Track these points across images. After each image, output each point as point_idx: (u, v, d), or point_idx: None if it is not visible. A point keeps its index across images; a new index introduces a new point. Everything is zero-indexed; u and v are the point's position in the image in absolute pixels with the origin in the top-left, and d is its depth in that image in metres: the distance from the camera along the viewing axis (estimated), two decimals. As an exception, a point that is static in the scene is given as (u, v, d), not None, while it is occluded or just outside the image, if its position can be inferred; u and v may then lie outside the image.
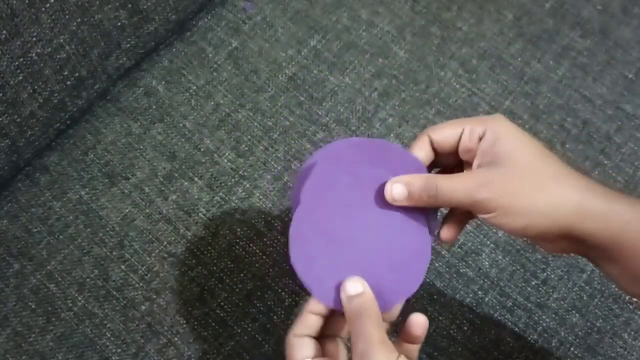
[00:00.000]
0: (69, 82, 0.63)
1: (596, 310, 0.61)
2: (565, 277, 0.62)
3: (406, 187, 0.44)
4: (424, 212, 0.45)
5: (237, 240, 0.63)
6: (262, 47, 0.72)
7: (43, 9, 0.57)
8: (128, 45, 0.68)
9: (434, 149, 0.46)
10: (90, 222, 0.63)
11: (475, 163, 0.44)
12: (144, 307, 0.60)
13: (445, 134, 0.45)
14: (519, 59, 0.73)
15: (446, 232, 0.47)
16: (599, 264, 0.44)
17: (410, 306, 0.60)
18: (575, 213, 0.41)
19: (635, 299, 0.43)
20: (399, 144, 0.67)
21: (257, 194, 0.65)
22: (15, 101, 0.59)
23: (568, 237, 0.42)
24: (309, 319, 0.44)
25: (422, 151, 0.46)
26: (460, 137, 0.44)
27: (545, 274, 0.62)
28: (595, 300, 0.62)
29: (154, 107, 0.69)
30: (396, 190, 0.44)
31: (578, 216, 0.41)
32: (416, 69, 0.72)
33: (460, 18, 0.75)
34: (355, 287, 0.43)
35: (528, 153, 0.42)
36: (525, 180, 0.41)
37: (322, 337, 0.45)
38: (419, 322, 0.44)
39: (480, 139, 0.43)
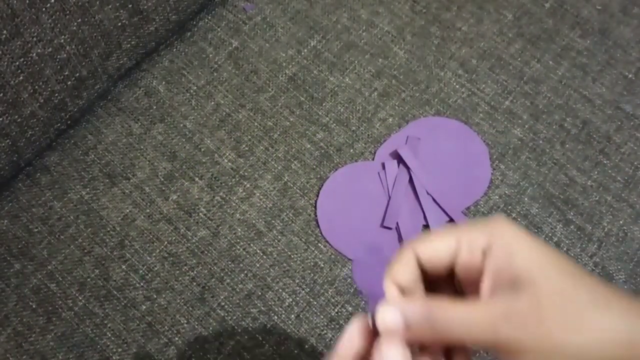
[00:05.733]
0: (69, 82, 0.63)
1: (596, 310, 0.61)
2: (565, 276, 0.63)
3: (402, 316, 0.33)
4: None
5: (238, 240, 0.63)
6: (262, 47, 0.73)
7: (43, 9, 0.57)
8: (128, 45, 0.68)
9: (422, 269, 0.35)
10: (91, 222, 0.63)
11: (485, 287, 0.33)
12: (144, 307, 0.60)
13: (436, 248, 0.35)
14: (519, 59, 0.73)
15: None
16: None
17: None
18: (628, 348, 0.31)
19: None
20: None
21: (258, 194, 0.65)
22: (16, 101, 0.59)
23: None
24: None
25: (406, 273, 0.35)
26: (455, 252, 0.34)
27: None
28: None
29: (155, 107, 0.69)
30: (390, 319, 0.33)
31: (633, 351, 0.31)
32: (416, 69, 0.72)
33: (459, 18, 0.75)
34: (396, 357, 0.33)
35: (556, 273, 0.32)
36: (558, 310, 0.31)
37: None
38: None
39: (484, 253, 0.33)
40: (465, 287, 0.36)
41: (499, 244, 0.33)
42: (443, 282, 0.36)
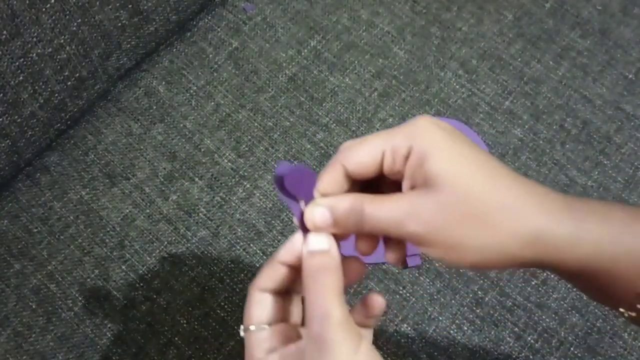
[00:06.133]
0: (69, 83, 0.63)
1: (596, 310, 0.61)
2: (565, 277, 0.63)
3: (330, 212, 0.36)
4: None
5: (237, 240, 0.63)
6: (262, 47, 0.73)
7: (43, 9, 0.57)
8: (128, 45, 0.68)
9: (353, 179, 0.38)
10: (91, 222, 0.63)
11: (404, 186, 0.36)
12: (144, 307, 0.60)
13: (363, 159, 0.37)
14: (519, 59, 0.73)
15: (392, 256, 0.39)
16: (572, 283, 0.39)
17: (410, 306, 0.61)
18: (534, 244, 0.34)
19: (620, 310, 0.37)
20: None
21: (257, 194, 0.65)
22: (16, 101, 0.59)
23: (532, 266, 0.35)
24: (277, 270, 0.38)
25: (332, 184, 0.37)
26: (381, 161, 0.36)
27: (545, 274, 0.62)
28: (595, 300, 0.62)
29: (155, 107, 0.69)
30: (319, 215, 0.37)
31: (539, 247, 0.34)
32: (416, 69, 0.72)
33: (460, 18, 0.75)
34: (319, 242, 0.36)
35: (464, 174, 0.34)
36: (463, 212, 0.34)
37: (280, 293, 0.39)
38: (378, 302, 0.39)
39: (406, 158, 0.35)
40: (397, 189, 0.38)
41: (415, 149, 0.35)
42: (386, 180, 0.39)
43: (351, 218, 0.36)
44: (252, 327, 0.38)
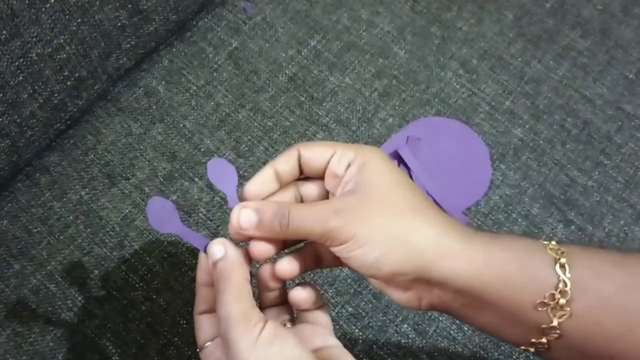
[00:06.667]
0: (69, 83, 0.63)
1: (596, 311, 0.61)
2: (566, 277, 0.62)
3: (256, 213, 0.40)
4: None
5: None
6: (262, 47, 0.72)
7: (43, 9, 0.57)
8: (128, 45, 0.68)
9: (301, 167, 0.43)
10: (91, 223, 0.63)
11: (338, 191, 0.41)
12: (144, 307, 0.60)
13: (316, 152, 0.42)
14: (519, 59, 0.73)
15: (285, 265, 0.42)
16: (470, 316, 0.40)
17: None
18: (433, 249, 0.37)
19: (523, 347, 0.39)
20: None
21: (257, 194, 0.65)
22: (16, 101, 0.59)
23: (426, 282, 0.38)
24: (201, 293, 0.42)
25: (287, 165, 0.42)
26: (329, 160, 0.41)
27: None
28: (596, 300, 0.62)
29: (154, 107, 0.69)
30: (245, 217, 0.40)
31: (437, 253, 0.37)
32: (416, 69, 0.72)
33: (460, 18, 0.75)
34: (217, 250, 0.40)
35: (388, 181, 0.39)
36: (380, 206, 0.38)
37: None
38: (297, 297, 0.42)
39: (349, 165, 0.40)
40: (330, 194, 0.43)
41: (360, 158, 0.40)
42: (315, 192, 0.44)
43: (277, 220, 0.39)
44: (203, 347, 0.41)
